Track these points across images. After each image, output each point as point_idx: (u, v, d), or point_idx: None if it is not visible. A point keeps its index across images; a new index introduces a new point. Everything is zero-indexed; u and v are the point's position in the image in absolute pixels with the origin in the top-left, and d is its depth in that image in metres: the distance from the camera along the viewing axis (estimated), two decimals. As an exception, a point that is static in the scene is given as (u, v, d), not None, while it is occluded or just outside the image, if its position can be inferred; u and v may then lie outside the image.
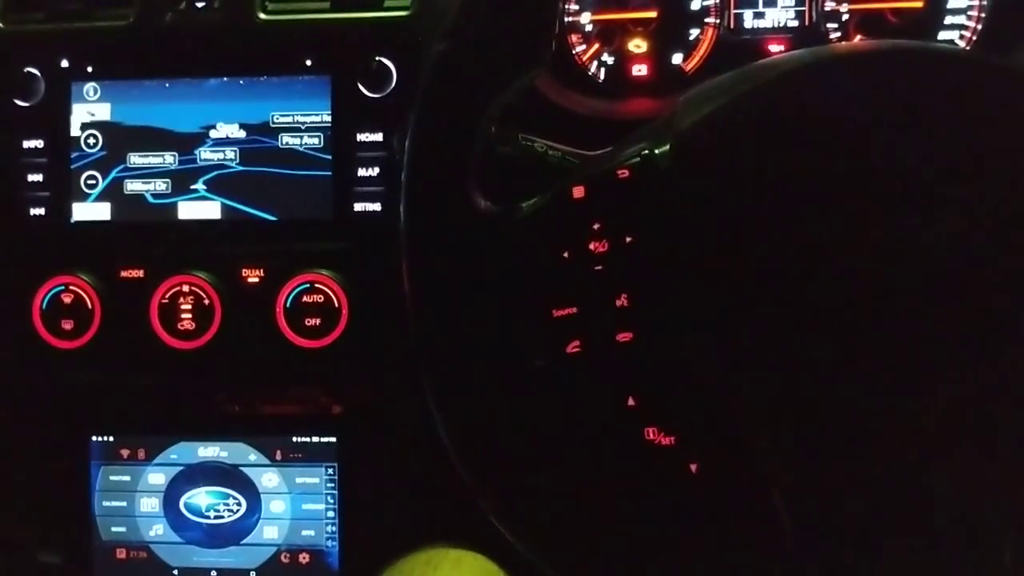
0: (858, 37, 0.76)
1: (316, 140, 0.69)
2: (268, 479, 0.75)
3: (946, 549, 0.45)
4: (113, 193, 0.70)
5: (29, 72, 0.70)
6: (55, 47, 0.70)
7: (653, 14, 0.77)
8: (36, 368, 0.72)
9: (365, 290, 0.68)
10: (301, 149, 0.69)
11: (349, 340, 0.67)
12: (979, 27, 0.75)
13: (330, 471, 0.75)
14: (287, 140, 0.69)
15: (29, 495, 0.77)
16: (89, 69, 0.70)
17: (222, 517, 0.75)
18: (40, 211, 0.71)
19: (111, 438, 0.76)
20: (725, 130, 0.46)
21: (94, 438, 0.76)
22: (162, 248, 0.70)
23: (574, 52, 0.79)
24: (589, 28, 0.78)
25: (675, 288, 0.46)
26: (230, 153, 0.70)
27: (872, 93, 0.45)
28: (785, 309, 0.45)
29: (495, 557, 0.67)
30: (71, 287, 0.68)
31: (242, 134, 0.70)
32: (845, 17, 0.76)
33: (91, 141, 0.71)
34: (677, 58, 0.78)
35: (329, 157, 0.69)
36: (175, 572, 0.76)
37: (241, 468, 0.75)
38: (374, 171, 0.69)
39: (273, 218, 0.70)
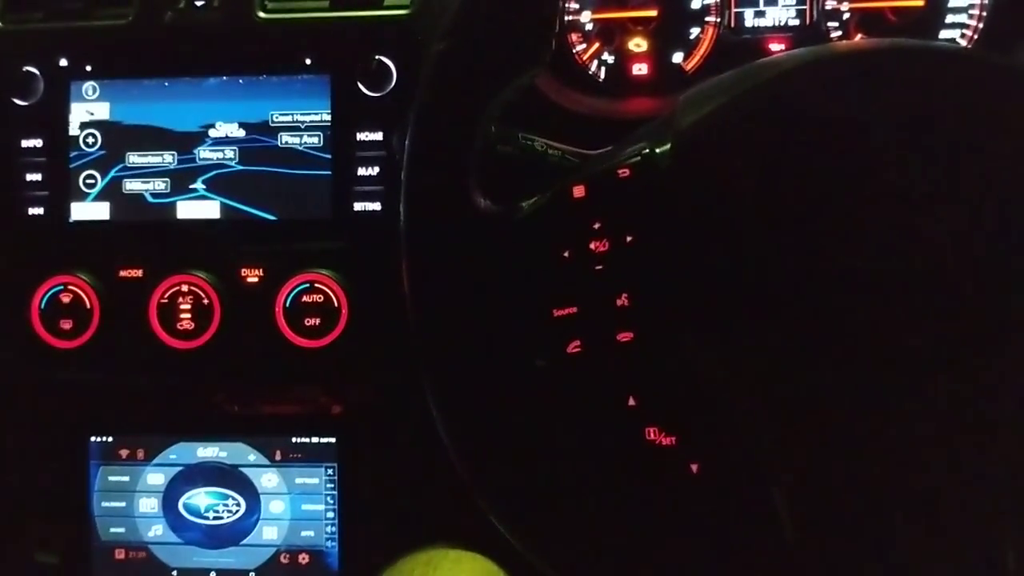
0: (859, 36, 0.76)
1: (316, 139, 0.69)
2: (267, 479, 0.75)
3: (946, 549, 0.45)
4: (112, 192, 0.70)
5: (28, 71, 0.70)
6: (54, 46, 0.70)
7: (653, 13, 0.77)
8: (35, 368, 0.71)
9: (365, 290, 0.67)
10: (301, 148, 0.69)
11: (349, 340, 0.67)
12: (980, 26, 0.75)
13: (330, 471, 0.74)
14: (286, 139, 0.69)
15: (28, 495, 0.77)
16: (88, 68, 0.70)
17: (221, 518, 0.75)
18: (39, 210, 0.71)
19: (110, 438, 0.76)
20: (725, 129, 0.46)
21: (93, 438, 0.76)
22: (161, 248, 0.70)
23: (574, 51, 0.78)
24: (589, 27, 0.78)
25: (676, 287, 0.46)
26: (229, 152, 0.70)
27: (873, 92, 0.45)
28: (785, 308, 0.45)
29: (495, 557, 0.66)
30: (70, 287, 0.68)
31: (241, 133, 0.70)
32: (846, 16, 0.76)
33: (90, 140, 0.70)
34: (677, 57, 0.78)
35: (329, 156, 0.69)
36: (174, 573, 0.76)
37: (240, 468, 0.75)
38: (374, 170, 0.69)
39: (272, 217, 0.70)
